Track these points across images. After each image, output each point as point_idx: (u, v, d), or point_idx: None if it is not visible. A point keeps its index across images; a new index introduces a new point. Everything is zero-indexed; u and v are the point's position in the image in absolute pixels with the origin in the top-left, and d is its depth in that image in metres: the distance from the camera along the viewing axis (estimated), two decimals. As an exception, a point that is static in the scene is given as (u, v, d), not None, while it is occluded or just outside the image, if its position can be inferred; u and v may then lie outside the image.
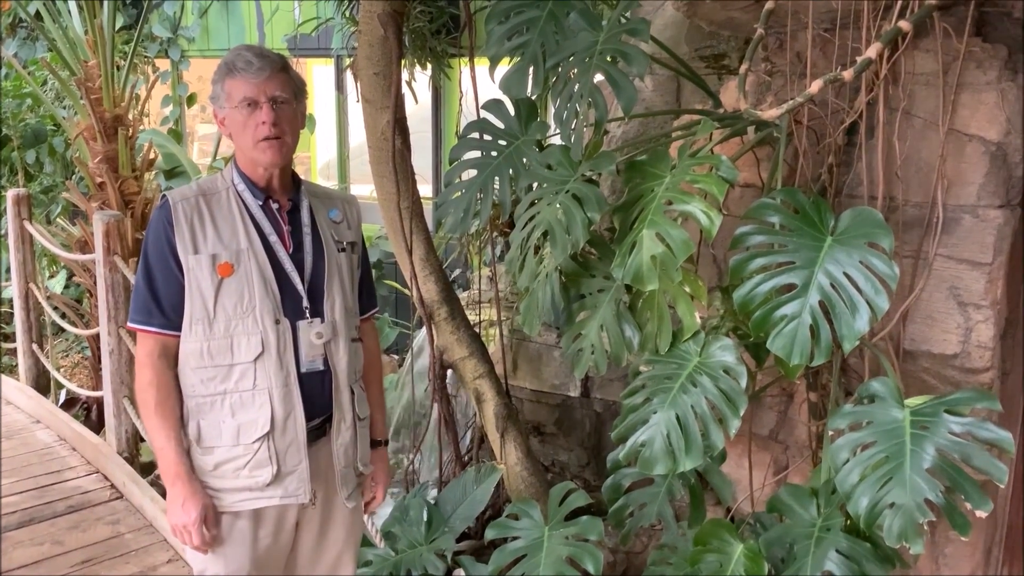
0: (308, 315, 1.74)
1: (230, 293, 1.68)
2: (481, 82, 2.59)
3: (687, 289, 1.82)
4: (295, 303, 1.74)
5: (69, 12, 4.66)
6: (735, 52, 3.21)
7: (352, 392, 1.82)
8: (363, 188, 5.85)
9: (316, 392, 1.76)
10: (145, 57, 6.51)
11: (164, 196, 1.74)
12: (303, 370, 1.73)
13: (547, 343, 3.02)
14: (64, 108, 5.75)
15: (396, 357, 5.09)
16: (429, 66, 4.33)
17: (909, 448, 1.57)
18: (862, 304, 1.62)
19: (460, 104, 2.61)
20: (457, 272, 4.90)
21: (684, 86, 3.33)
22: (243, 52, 1.69)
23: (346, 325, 1.80)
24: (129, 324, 1.75)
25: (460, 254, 4.12)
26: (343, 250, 1.83)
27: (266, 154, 1.69)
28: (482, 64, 2.24)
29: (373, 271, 5.58)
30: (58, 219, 5.31)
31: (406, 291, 4.65)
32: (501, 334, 2.86)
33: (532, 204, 1.95)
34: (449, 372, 2.86)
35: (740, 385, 1.74)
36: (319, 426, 1.78)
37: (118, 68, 4.56)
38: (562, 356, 2.94)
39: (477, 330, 2.89)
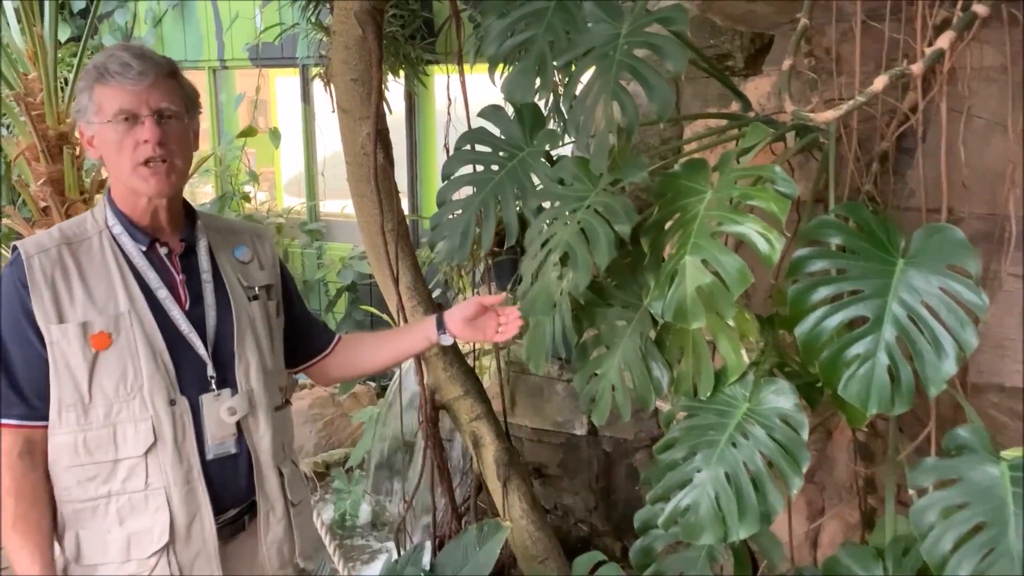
0: (215, 386, 1.40)
1: (109, 371, 1.34)
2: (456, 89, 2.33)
3: (731, 323, 1.55)
4: (197, 373, 1.41)
5: (7, 23, 4.28)
6: (739, 52, 3.02)
7: (281, 475, 1.48)
8: (334, 204, 5.53)
9: (229, 481, 1.43)
10: (96, 70, 6.12)
11: (15, 249, 1.35)
12: (209, 456, 1.40)
13: (548, 376, 2.74)
14: (4, 126, 5.34)
15: (373, 385, 4.77)
16: (402, 74, 4.07)
17: (1012, 511, 1.32)
18: (947, 340, 1.36)
19: (449, 113, 2.32)
20: (437, 293, 4.60)
21: (684, 89, 3.10)
22: (118, 53, 1.33)
23: (266, 393, 1.47)
24: None
25: (443, 275, 3.84)
26: (255, 298, 1.49)
27: (148, 182, 1.35)
28: (480, 71, 1.96)
29: (347, 293, 5.18)
30: (-1, 247, 4.88)
31: (383, 315, 4.34)
32: (500, 367, 2.57)
33: (545, 227, 1.66)
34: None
35: (801, 436, 1.47)
36: (235, 519, 1.45)
37: (64, 82, 4.19)
38: (565, 390, 2.66)
39: (470, 362, 2.60)
